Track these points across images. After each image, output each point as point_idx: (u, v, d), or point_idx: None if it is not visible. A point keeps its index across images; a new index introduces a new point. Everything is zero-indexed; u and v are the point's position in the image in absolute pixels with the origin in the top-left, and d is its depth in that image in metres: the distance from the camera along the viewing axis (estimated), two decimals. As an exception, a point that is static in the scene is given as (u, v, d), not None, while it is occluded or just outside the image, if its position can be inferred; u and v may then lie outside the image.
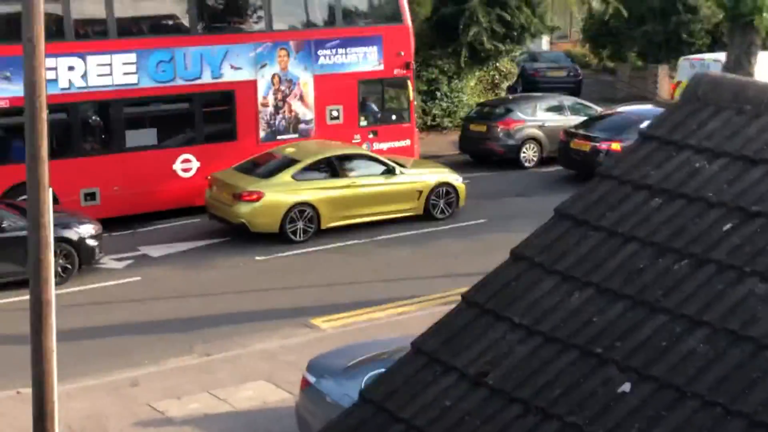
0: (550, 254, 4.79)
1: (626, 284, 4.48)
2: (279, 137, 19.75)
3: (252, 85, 19.39)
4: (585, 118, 23.53)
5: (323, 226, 17.76)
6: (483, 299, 4.69)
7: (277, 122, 19.81)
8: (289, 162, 17.91)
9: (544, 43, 38.51)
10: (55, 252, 9.78)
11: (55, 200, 9.82)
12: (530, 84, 32.39)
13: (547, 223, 5.11)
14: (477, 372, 4.31)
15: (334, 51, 20.19)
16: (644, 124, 21.65)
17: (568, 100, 25.29)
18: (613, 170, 5.09)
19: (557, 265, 4.71)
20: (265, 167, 17.98)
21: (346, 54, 20.33)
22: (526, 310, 4.53)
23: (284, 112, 19.87)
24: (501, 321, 4.53)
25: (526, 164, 23.74)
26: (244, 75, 19.25)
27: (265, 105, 19.63)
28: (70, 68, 17.48)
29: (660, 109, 21.98)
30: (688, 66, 27.21)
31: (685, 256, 4.49)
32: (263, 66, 19.46)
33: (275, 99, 19.70)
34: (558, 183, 22.21)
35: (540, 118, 24.08)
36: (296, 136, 19.94)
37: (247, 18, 20.18)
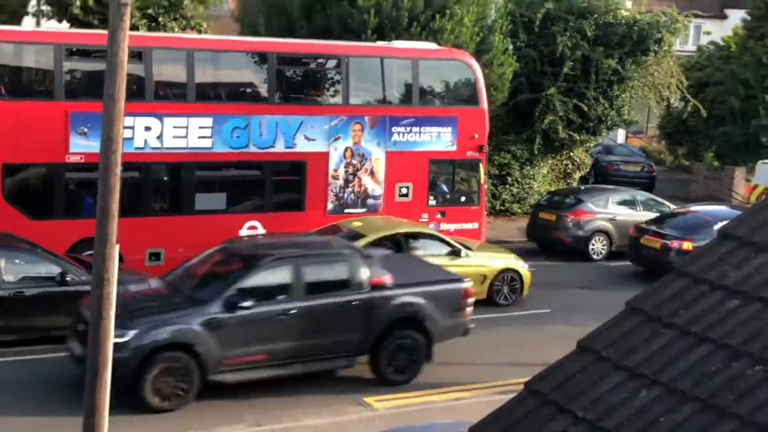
0: (619, 349, 4.59)
1: (696, 386, 4.27)
2: (346, 210, 19.76)
3: (324, 157, 19.49)
4: (657, 214, 23.21)
5: (384, 303, 17.56)
6: (546, 389, 4.49)
7: (345, 195, 19.84)
8: (355, 236, 17.84)
9: (620, 136, 38.35)
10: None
11: (120, 258, 9.84)
12: (603, 176, 32.19)
13: (618, 316, 4.92)
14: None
15: (408, 129, 20.25)
16: (720, 224, 21.17)
17: (641, 195, 24.99)
18: (688, 267, 4.90)
19: (626, 361, 4.51)
20: (331, 240, 17.91)
21: (419, 132, 20.37)
22: (591, 405, 4.32)
23: (354, 186, 19.90)
24: (563, 414, 4.32)
25: (594, 257, 23.41)
26: (316, 146, 19.36)
27: (335, 177, 19.69)
28: (147, 128, 17.74)
29: (735, 211, 21.65)
30: (767, 170, 26.78)
31: (759, 362, 4.27)
32: (336, 139, 19.57)
33: (346, 172, 19.76)
34: (625, 278, 21.84)
35: (611, 211, 23.79)
36: (364, 210, 19.94)
37: (323, 91, 20.38)
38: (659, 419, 4.18)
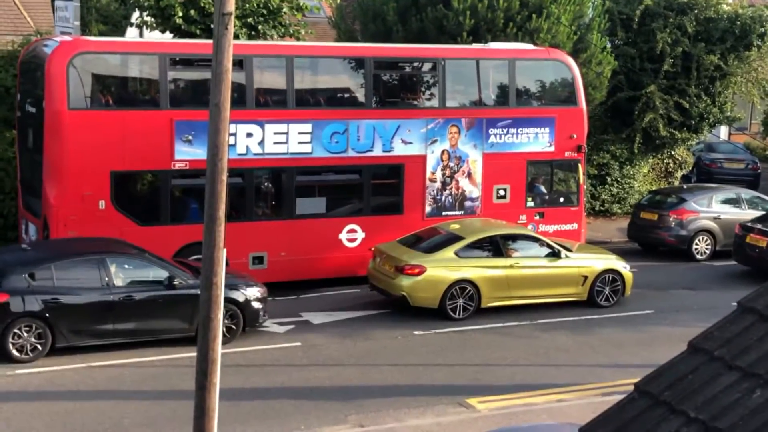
0: (731, 348, 4.54)
1: (814, 386, 4.18)
2: (444, 213, 19.79)
3: (421, 160, 19.56)
4: (763, 212, 22.65)
5: (483, 305, 17.58)
6: (658, 390, 4.47)
7: (443, 198, 19.88)
8: (453, 238, 17.88)
9: (723, 133, 37.53)
10: (222, 312, 9.97)
11: (226, 262, 10.07)
12: (705, 174, 31.55)
13: (729, 316, 4.86)
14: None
15: (505, 130, 20.19)
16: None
17: (745, 193, 24.41)
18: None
19: (738, 361, 4.45)
20: (429, 242, 18.00)
21: (517, 134, 20.29)
22: (704, 405, 4.28)
23: (451, 188, 19.92)
24: (676, 414, 4.29)
25: (698, 257, 22.98)
26: (414, 150, 19.44)
27: (432, 180, 19.74)
28: (249, 135, 18.07)
29: None
30: None
31: None
32: (433, 142, 19.62)
33: (443, 175, 19.80)
34: (731, 278, 21.39)
35: (715, 209, 23.32)
36: (462, 213, 19.94)
37: (420, 94, 20.45)
38: (775, 420, 4.12)
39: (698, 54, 25.74)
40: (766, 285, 4.87)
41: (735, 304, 4.96)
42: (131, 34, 27.36)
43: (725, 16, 26.11)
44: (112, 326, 14.84)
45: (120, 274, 15.05)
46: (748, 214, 22.80)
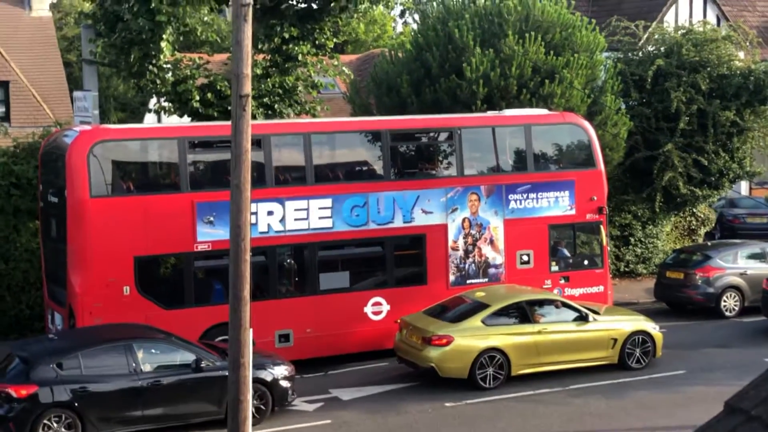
0: (770, 407, 4.45)
1: None
2: (469, 281, 19.71)
3: (442, 229, 19.56)
4: (789, 266, 22.45)
5: (513, 373, 17.40)
6: (698, 454, 4.37)
7: (467, 266, 19.82)
8: (479, 306, 17.78)
9: (744, 188, 37.39)
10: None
11: (252, 341, 10.04)
12: (729, 230, 31.38)
13: (764, 374, 4.77)
14: None
15: (525, 195, 20.20)
16: None
17: (771, 248, 24.23)
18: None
19: (779, 420, 4.36)
20: (455, 311, 17.90)
21: (537, 198, 20.29)
22: (747, 468, 4.19)
23: (474, 256, 19.88)
24: (719, 478, 4.20)
25: (727, 314, 22.74)
26: (434, 219, 19.46)
27: (455, 249, 19.71)
28: (270, 213, 18.15)
29: None
30: None
31: None
32: (454, 210, 19.64)
33: (465, 243, 19.77)
34: (761, 334, 21.13)
35: (741, 265, 23.14)
36: (486, 280, 19.85)
37: (438, 163, 20.54)
38: (821, 479, 4.02)
39: (714, 111, 25.77)
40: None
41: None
42: (149, 119, 27.74)
43: (738, 72, 26.20)
44: (141, 412, 14.76)
45: (147, 360, 15.01)
46: (775, 268, 22.60)
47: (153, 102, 24.26)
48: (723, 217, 32.10)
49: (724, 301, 22.77)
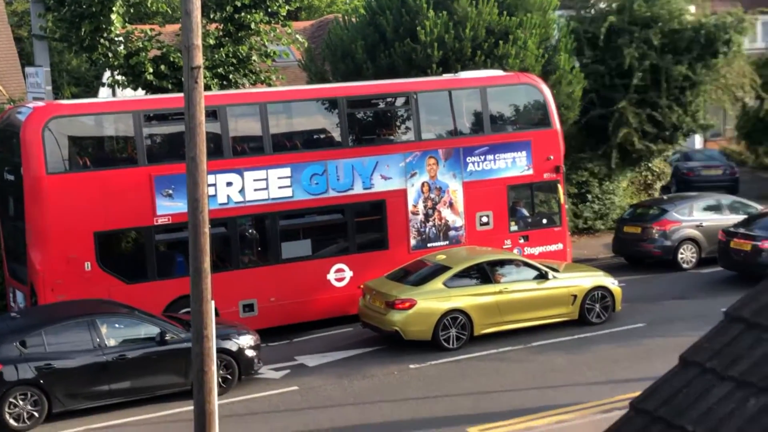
0: (723, 359, 4.59)
1: (807, 390, 4.23)
2: (429, 245, 19.84)
3: (402, 194, 19.64)
4: (744, 216, 22.80)
5: (476, 333, 17.60)
6: (653, 407, 4.51)
7: (427, 230, 19.94)
8: (441, 269, 17.93)
9: (698, 141, 37.82)
10: (216, 363, 9.97)
11: (216, 312, 10.08)
12: (684, 183, 31.74)
13: (717, 326, 4.91)
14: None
15: (482, 157, 20.31)
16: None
17: (725, 199, 24.59)
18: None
19: (731, 371, 4.50)
20: (417, 275, 18.04)
21: (494, 160, 20.42)
22: (700, 418, 4.33)
23: (434, 219, 19.99)
24: (673, 430, 4.33)
25: (684, 266, 23.10)
26: (394, 184, 19.53)
27: (415, 213, 19.81)
28: (228, 184, 18.12)
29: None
30: None
31: None
32: (413, 175, 19.72)
33: (425, 207, 19.88)
34: (718, 284, 21.49)
35: (697, 217, 23.48)
36: (447, 243, 20.00)
37: (395, 129, 20.57)
38: (771, 426, 4.16)
39: (666, 66, 25.99)
40: (750, 293, 4.93)
41: (723, 311, 5.02)
42: (104, 93, 27.45)
43: (689, 26, 26.40)
44: (107, 387, 14.78)
45: (111, 334, 15.01)
46: (730, 219, 22.94)
47: (107, 75, 23.99)
48: (678, 170, 32.46)
49: (681, 254, 23.11)
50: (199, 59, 9.37)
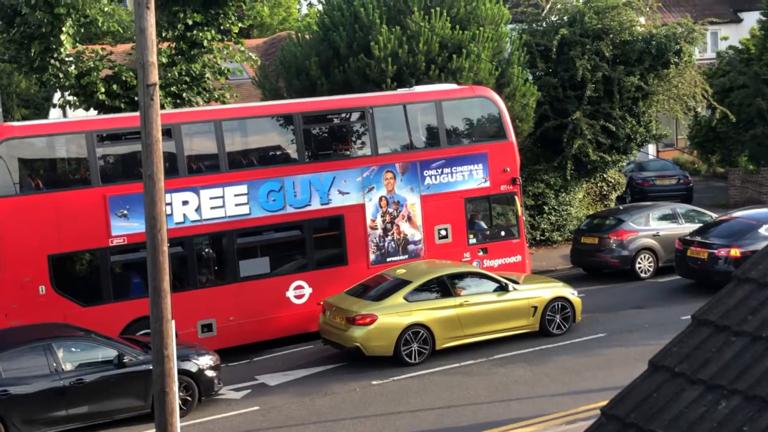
0: (692, 363, 4.57)
1: (777, 391, 4.22)
2: (389, 259, 19.79)
3: (360, 208, 19.57)
4: (700, 225, 23.03)
5: (438, 347, 17.54)
6: (623, 413, 4.47)
7: (386, 244, 19.89)
8: (401, 284, 17.86)
9: (651, 151, 38.21)
10: (177, 383, 9.80)
11: (175, 333, 9.93)
12: (639, 193, 32.05)
13: (685, 331, 4.89)
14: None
15: (439, 171, 20.32)
16: (766, 227, 20.85)
17: (680, 208, 24.82)
18: (750, 273, 4.87)
19: (700, 374, 4.48)
20: (377, 290, 17.95)
21: (451, 173, 20.43)
22: (671, 423, 4.29)
23: (393, 233, 19.95)
24: (646, 435, 4.29)
25: (642, 275, 23.25)
26: (351, 199, 19.46)
27: (373, 228, 19.75)
28: (185, 203, 17.94)
29: (778, 211, 21.47)
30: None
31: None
32: (370, 189, 19.67)
33: (383, 221, 19.83)
34: (676, 293, 21.65)
35: (653, 227, 23.66)
36: (406, 257, 19.95)
37: (352, 144, 20.52)
38: (743, 429, 4.14)
39: (618, 77, 26.24)
40: (716, 296, 4.93)
41: (685, 318, 5.01)
42: (54, 115, 27.13)
43: (640, 37, 26.69)
44: (65, 412, 14.50)
45: (68, 359, 14.74)
46: (686, 228, 23.16)
47: (57, 96, 23.71)
48: (633, 180, 32.77)
49: (639, 263, 23.26)
50: (155, 76, 9.26)
